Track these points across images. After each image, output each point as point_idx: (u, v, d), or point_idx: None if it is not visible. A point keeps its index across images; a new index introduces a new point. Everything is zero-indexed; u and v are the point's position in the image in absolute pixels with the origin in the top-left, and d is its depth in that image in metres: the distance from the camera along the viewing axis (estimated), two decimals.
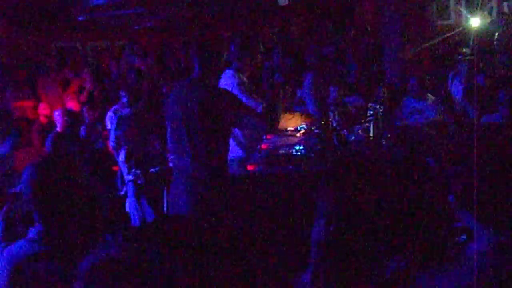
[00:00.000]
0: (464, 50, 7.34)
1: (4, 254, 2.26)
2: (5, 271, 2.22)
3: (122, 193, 6.00)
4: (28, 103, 8.32)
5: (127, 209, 5.71)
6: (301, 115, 5.88)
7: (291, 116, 5.74)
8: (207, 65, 3.91)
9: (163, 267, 0.79)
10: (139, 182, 5.55)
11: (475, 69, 6.40)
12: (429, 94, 6.57)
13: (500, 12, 10.40)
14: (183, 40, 12.18)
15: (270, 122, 4.03)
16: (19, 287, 2.18)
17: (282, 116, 4.73)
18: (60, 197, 2.25)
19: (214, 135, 3.86)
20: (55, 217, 2.25)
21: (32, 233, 2.27)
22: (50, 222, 2.25)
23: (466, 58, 6.69)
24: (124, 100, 6.22)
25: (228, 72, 4.87)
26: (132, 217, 5.66)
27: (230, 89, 4.37)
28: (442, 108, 6.33)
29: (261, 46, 5.05)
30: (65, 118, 7.01)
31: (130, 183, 5.62)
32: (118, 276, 0.80)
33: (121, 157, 5.68)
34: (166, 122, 4.15)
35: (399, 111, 6.48)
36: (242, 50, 4.86)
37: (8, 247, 2.27)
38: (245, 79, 4.90)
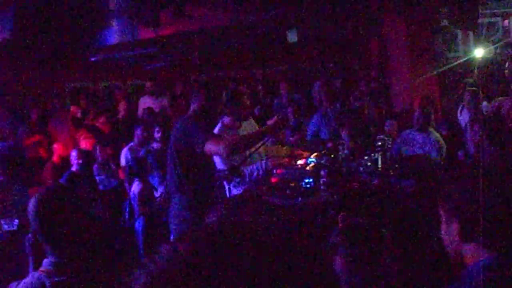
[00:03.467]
0: (467, 79, 7.36)
1: (20, 287, 2.27)
2: None
3: (128, 225, 6.14)
4: (39, 141, 8.42)
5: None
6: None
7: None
8: (203, 107, 4.21)
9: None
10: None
11: (480, 98, 6.39)
12: (432, 129, 6.52)
13: (509, 42, 10.46)
14: (193, 79, 12.35)
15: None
16: None
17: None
18: (67, 228, 2.28)
19: (190, 164, 4.14)
20: (66, 247, 2.27)
21: (46, 264, 2.29)
22: (63, 253, 2.27)
23: (469, 88, 6.69)
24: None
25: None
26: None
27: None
28: (438, 145, 6.23)
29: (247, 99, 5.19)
30: (80, 160, 7.12)
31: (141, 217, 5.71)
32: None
33: (135, 189, 5.80)
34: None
35: (401, 142, 6.42)
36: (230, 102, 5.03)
37: (24, 279, 2.29)
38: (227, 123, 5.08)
